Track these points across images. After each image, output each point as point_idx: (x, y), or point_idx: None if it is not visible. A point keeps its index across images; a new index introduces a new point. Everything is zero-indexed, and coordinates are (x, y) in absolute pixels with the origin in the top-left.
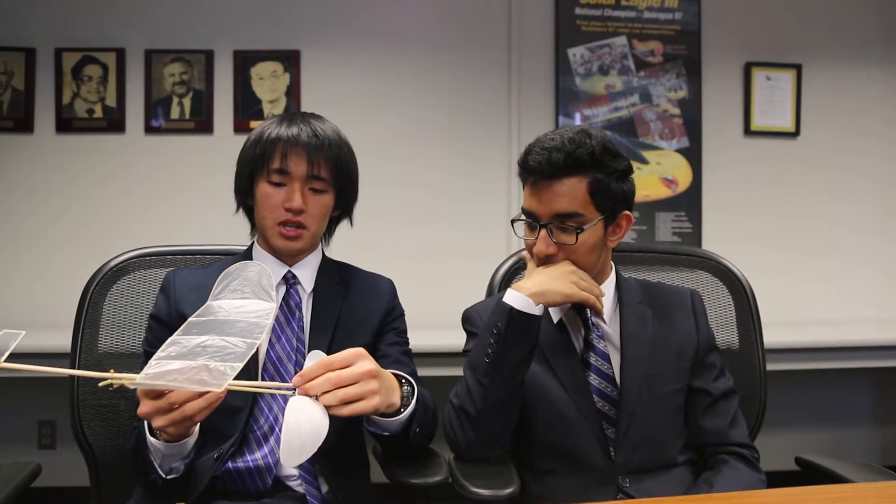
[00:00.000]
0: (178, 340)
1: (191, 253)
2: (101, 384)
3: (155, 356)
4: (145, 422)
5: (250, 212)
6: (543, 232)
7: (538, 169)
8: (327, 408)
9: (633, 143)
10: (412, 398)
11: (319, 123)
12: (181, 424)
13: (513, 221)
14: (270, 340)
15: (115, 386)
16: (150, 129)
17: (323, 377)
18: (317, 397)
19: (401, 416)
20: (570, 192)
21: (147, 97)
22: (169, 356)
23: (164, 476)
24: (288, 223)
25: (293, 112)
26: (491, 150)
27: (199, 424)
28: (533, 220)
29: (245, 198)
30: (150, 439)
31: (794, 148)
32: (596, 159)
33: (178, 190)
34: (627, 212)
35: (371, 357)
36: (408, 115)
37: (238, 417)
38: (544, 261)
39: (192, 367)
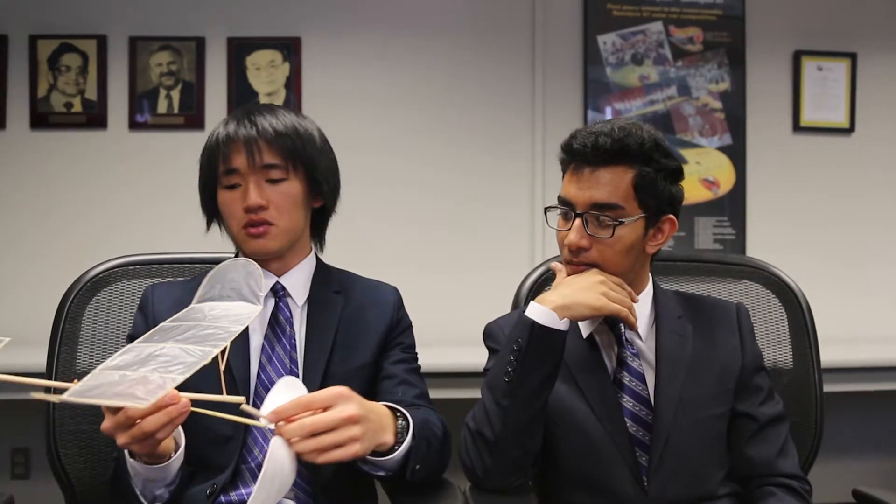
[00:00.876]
0: (134, 347)
1: (179, 262)
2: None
3: (100, 366)
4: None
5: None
6: (578, 222)
7: (582, 152)
8: (301, 455)
9: (670, 140)
10: (407, 433)
11: (264, 117)
12: (144, 443)
13: (546, 210)
14: (261, 362)
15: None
16: (134, 125)
17: (298, 423)
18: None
19: (394, 454)
20: (613, 182)
21: (131, 89)
22: (115, 366)
23: None
24: (251, 223)
25: (238, 109)
26: (512, 147)
27: (182, 450)
28: (568, 209)
29: (212, 214)
30: (130, 461)
31: (849, 146)
32: (645, 152)
33: (165, 192)
34: (672, 216)
35: (355, 396)
36: (420, 110)
37: (230, 448)
38: (575, 253)
39: (129, 379)
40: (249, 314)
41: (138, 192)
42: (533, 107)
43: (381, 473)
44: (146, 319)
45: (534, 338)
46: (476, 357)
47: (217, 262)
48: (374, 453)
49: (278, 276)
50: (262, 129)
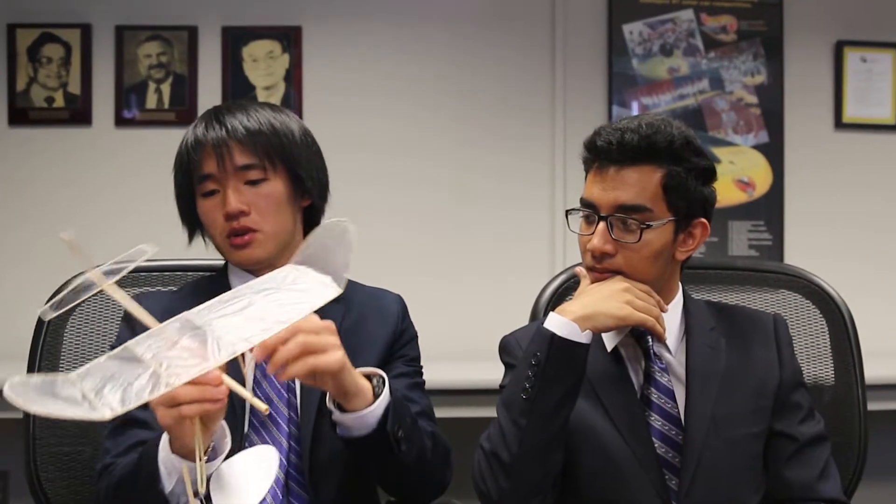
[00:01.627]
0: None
1: (170, 269)
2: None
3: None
4: (164, 437)
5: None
6: (602, 225)
7: (606, 150)
8: (284, 364)
9: (701, 137)
10: (383, 387)
11: (234, 116)
12: (171, 414)
13: (568, 213)
14: (256, 379)
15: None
16: (121, 122)
17: (298, 343)
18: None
19: (372, 406)
20: (640, 183)
21: (118, 83)
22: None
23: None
24: (234, 232)
25: (207, 111)
26: (531, 145)
27: (221, 459)
28: (592, 212)
29: (193, 225)
30: (171, 457)
31: (895, 143)
32: (675, 150)
33: (154, 194)
34: (704, 220)
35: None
36: (431, 105)
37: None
38: (599, 259)
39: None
40: (313, 302)
41: (125, 194)
42: (553, 102)
43: (361, 437)
44: (133, 331)
45: (553, 351)
46: (491, 373)
47: (209, 269)
48: (354, 410)
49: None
50: (232, 128)
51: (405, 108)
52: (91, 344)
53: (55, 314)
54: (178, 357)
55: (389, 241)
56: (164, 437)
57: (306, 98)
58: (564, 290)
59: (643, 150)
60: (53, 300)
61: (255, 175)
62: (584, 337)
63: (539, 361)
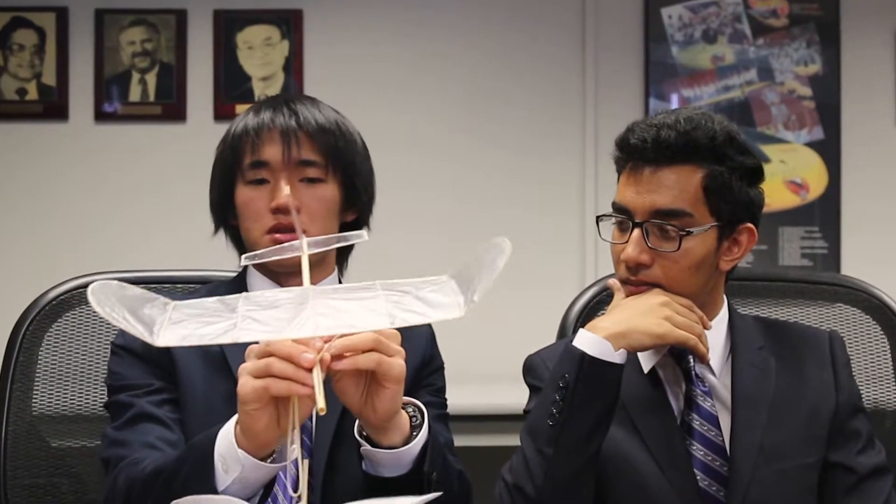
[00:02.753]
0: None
1: (158, 281)
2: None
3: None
4: (225, 429)
5: (236, 233)
6: (637, 233)
7: (640, 149)
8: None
9: (748, 133)
10: (422, 421)
11: (305, 107)
12: (255, 386)
13: (598, 219)
14: None
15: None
16: (101, 116)
17: (373, 336)
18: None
19: (411, 444)
20: (679, 184)
21: (98, 73)
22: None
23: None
24: (279, 228)
25: (272, 96)
26: (558, 143)
27: (287, 465)
28: (625, 218)
29: (225, 214)
30: (239, 452)
31: None
32: (717, 147)
33: (139, 197)
34: (751, 225)
35: None
36: (446, 98)
37: None
38: (634, 271)
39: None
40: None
41: (106, 196)
42: (583, 95)
43: (395, 475)
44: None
45: (583, 373)
46: (514, 396)
47: (205, 280)
48: (388, 447)
49: None
50: (304, 119)
51: (417, 102)
52: (69, 366)
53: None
54: (264, 318)
55: (400, 249)
56: (225, 429)
57: (307, 90)
58: (596, 305)
59: (681, 147)
60: (253, 254)
61: (315, 173)
62: (617, 356)
63: (568, 384)
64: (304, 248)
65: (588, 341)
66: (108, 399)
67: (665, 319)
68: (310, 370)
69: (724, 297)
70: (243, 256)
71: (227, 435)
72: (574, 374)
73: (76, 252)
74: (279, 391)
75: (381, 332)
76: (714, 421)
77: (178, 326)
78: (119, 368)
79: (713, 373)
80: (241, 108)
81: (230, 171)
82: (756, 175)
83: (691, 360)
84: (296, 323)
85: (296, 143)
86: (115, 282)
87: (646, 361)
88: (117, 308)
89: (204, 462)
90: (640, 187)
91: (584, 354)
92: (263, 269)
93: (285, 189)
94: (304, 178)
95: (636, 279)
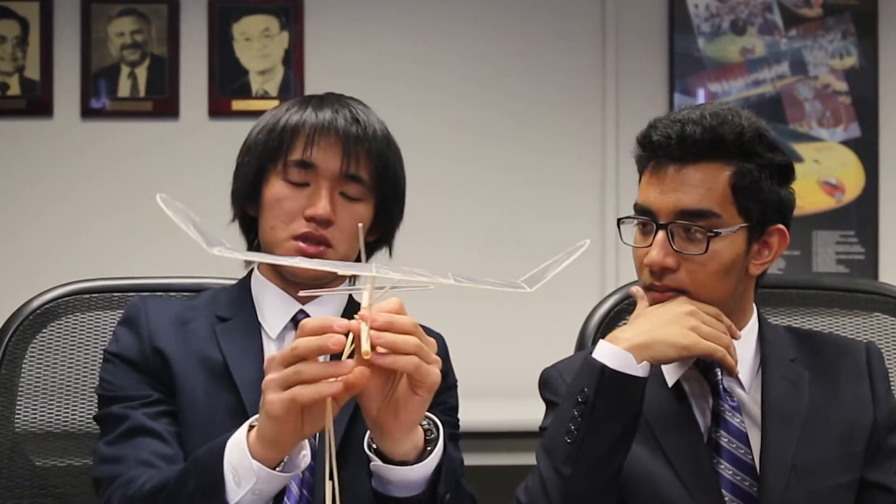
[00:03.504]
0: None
1: (149, 289)
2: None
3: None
4: (235, 438)
5: (249, 227)
6: (661, 235)
7: (664, 146)
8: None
9: (780, 131)
10: (437, 436)
11: (360, 107)
12: (283, 399)
13: (619, 222)
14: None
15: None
16: (88, 113)
17: (416, 341)
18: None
19: (427, 459)
20: (705, 183)
21: (84, 66)
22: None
23: None
24: (308, 237)
25: (321, 94)
26: (577, 144)
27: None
28: (648, 220)
29: (246, 204)
30: (254, 464)
31: None
32: (745, 143)
33: (128, 198)
34: (782, 226)
35: None
36: (456, 94)
37: None
38: (658, 276)
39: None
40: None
41: (94, 199)
42: (603, 90)
43: (407, 496)
44: (138, 335)
45: (604, 386)
46: (529, 412)
47: (201, 288)
48: (402, 462)
49: (303, 304)
50: (371, 132)
51: (426, 98)
52: (54, 378)
53: None
54: (322, 264)
55: (410, 255)
56: (235, 439)
57: (308, 85)
58: (616, 314)
59: (708, 144)
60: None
61: (357, 192)
62: (640, 369)
63: (587, 398)
64: (372, 273)
65: (609, 353)
66: (100, 411)
67: (691, 329)
68: (341, 351)
69: (754, 305)
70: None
71: (237, 445)
72: (593, 387)
73: (62, 258)
74: (308, 397)
75: (421, 337)
76: (743, 438)
77: (234, 251)
78: (112, 377)
79: (742, 386)
80: (237, 104)
81: (268, 161)
82: (787, 173)
83: (719, 373)
84: (354, 268)
85: (354, 156)
86: (182, 205)
87: (670, 374)
88: (182, 218)
89: (212, 475)
90: (664, 186)
91: (604, 367)
92: (276, 276)
93: (326, 203)
94: (345, 192)
95: (661, 285)
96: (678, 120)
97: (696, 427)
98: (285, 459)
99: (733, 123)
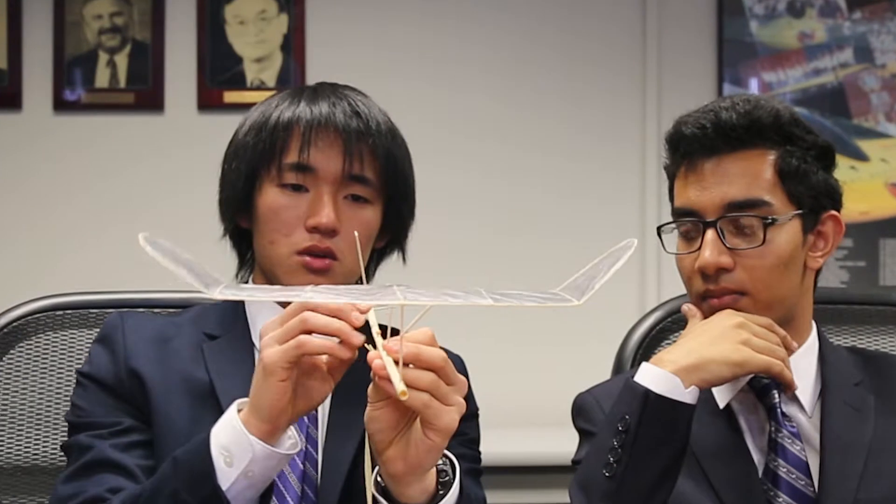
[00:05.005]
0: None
1: (130, 304)
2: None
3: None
4: (224, 419)
5: (241, 239)
6: (711, 233)
7: (699, 138)
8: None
9: (842, 126)
10: (453, 478)
11: (360, 98)
12: (286, 352)
13: (660, 229)
14: None
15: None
16: (62, 105)
17: (432, 377)
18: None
19: (445, 498)
20: (750, 171)
21: (57, 54)
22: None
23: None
24: (313, 251)
25: (313, 85)
26: (612, 144)
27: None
28: (693, 221)
29: (237, 215)
30: (252, 439)
31: None
32: (783, 126)
33: (107, 202)
34: (835, 212)
35: None
36: (477, 88)
37: None
38: (714, 278)
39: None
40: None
41: (68, 202)
42: (643, 82)
43: None
44: (114, 354)
45: (647, 414)
46: (560, 443)
47: (188, 304)
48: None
49: None
50: (375, 126)
51: (446, 88)
52: (24, 403)
53: None
54: (340, 291)
55: (424, 264)
56: (224, 420)
57: (310, 73)
58: (659, 333)
59: (746, 129)
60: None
61: (364, 192)
62: (688, 395)
63: (628, 427)
64: (400, 301)
65: (653, 377)
66: (68, 439)
67: (743, 344)
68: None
69: (814, 323)
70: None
71: (227, 424)
72: (636, 415)
73: (32, 270)
74: (315, 348)
75: (447, 375)
76: (803, 468)
77: (238, 289)
78: (82, 402)
79: (804, 409)
80: (230, 96)
81: (259, 165)
82: (830, 156)
83: (776, 396)
84: (378, 295)
85: (358, 154)
86: (168, 243)
87: (721, 395)
88: (170, 259)
89: (199, 461)
90: (705, 182)
91: (648, 392)
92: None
93: (329, 211)
94: (350, 195)
95: (718, 288)
96: (710, 110)
97: (747, 457)
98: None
99: (768, 107)
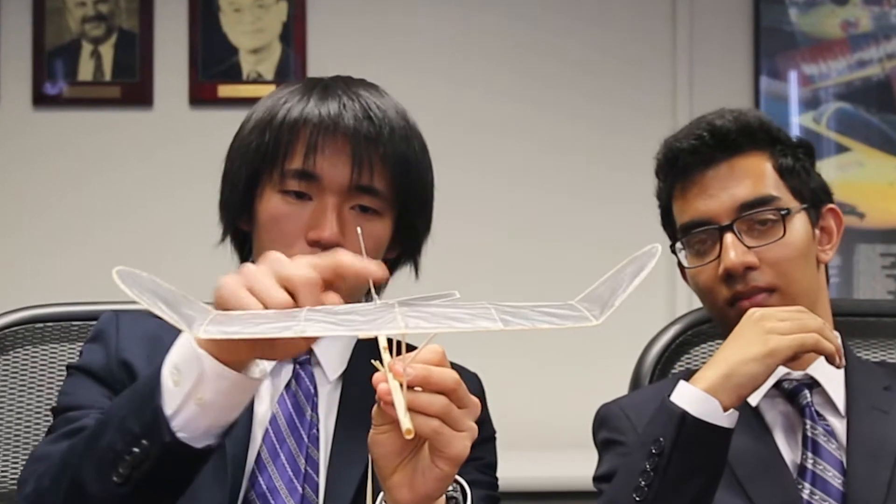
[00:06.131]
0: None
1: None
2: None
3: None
4: (183, 338)
5: (245, 241)
6: (729, 236)
7: (698, 149)
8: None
9: (890, 123)
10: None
11: (375, 97)
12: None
13: (673, 248)
14: (261, 460)
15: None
16: (41, 100)
17: (443, 401)
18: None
19: None
20: (753, 172)
21: (37, 43)
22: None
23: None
24: None
25: (326, 78)
26: (639, 142)
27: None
28: (707, 230)
29: (238, 218)
30: (211, 367)
31: None
32: (769, 129)
33: (90, 206)
34: (833, 206)
35: None
36: (490, 81)
37: None
38: (742, 280)
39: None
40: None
41: (48, 205)
42: (674, 75)
43: None
44: (106, 347)
45: (683, 438)
46: (581, 466)
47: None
48: None
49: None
50: (388, 130)
51: (451, 84)
52: (2, 423)
53: None
54: (337, 320)
55: (434, 271)
56: (180, 341)
57: (311, 65)
58: (678, 348)
59: (740, 133)
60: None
61: (373, 203)
62: (726, 419)
63: (662, 450)
64: (401, 329)
65: (689, 397)
66: (52, 424)
67: (768, 333)
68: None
69: (837, 333)
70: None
71: (181, 343)
72: (671, 437)
73: (9, 279)
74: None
75: (460, 398)
76: (839, 467)
77: (224, 325)
78: (71, 389)
79: (836, 411)
80: (224, 90)
81: (262, 167)
82: (813, 153)
83: (808, 395)
84: (378, 322)
85: (367, 163)
86: (146, 274)
87: (752, 396)
88: (147, 295)
89: (148, 382)
90: (711, 190)
91: (685, 414)
92: None
93: (333, 224)
94: (358, 205)
95: (748, 288)
96: (701, 121)
97: (781, 463)
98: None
99: (751, 113)
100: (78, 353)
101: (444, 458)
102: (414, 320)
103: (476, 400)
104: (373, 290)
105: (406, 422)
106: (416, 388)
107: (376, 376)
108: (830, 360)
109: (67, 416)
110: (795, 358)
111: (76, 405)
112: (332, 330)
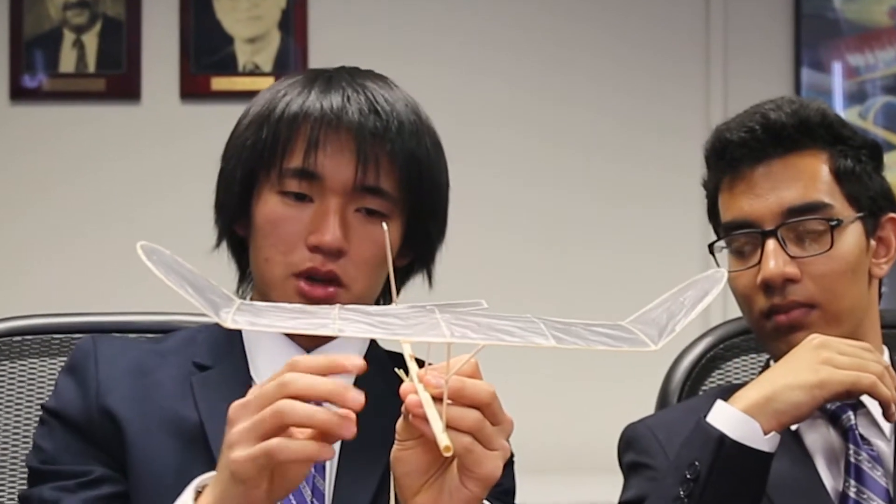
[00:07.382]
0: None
1: (103, 329)
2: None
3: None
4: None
5: (240, 249)
6: (771, 243)
7: (747, 143)
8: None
9: None
10: None
11: (383, 89)
12: (265, 451)
13: (711, 247)
14: None
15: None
16: (20, 94)
17: (476, 416)
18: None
19: None
20: (806, 173)
21: (14, 33)
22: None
23: None
24: (313, 274)
25: (330, 69)
26: (671, 139)
27: None
28: (750, 233)
29: (234, 222)
30: None
31: None
32: (831, 125)
33: (74, 207)
34: (894, 215)
35: None
36: (507, 74)
37: None
38: (780, 292)
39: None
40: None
41: (28, 206)
42: (708, 66)
43: None
44: (84, 388)
45: (721, 462)
46: (605, 490)
47: (169, 328)
48: None
49: (307, 349)
50: (396, 126)
51: (463, 78)
52: None
53: None
54: (374, 321)
55: (450, 280)
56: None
57: (313, 56)
58: (708, 363)
59: (796, 128)
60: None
61: (379, 205)
62: (766, 443)
63: (698, 475)
64: (447, 339)
65: (728, 418)
66: (27, 489)
67: (823, 363)
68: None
69: (885, 348)
70: None
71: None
72: (707, 462)
73: None
74: (291, 455)
75: (493, 414)
76: (884, 496)
77: (255, 315)
78: (46, 444)
79: (882, 434)
80: (218, 82)
81: (259, 167)
82: (880, 156)
83: (852, 417)
84: (420, 328)
85: (373, 162)
86: (169, 252)
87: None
88: (175, 276)
89: None
90: (758, 189)
91: (723, 437)
92: None
93: (335, 228)
94: (363, 208)
95: (786, 302)
96: (755, 113)
97: (822, 491)
98: None
99: (813, 106)
100: (96, 339)
101: (474, 478)
102: (460, 329)
103: (509, 417)
104: (394, 293)
105: (444, 438)
106: (447, 401)
107: (404, 387)
108: (885, 407)
109: (43, 497)
110: (848, 396)
111: (52, 472)
112: (370, 332)
